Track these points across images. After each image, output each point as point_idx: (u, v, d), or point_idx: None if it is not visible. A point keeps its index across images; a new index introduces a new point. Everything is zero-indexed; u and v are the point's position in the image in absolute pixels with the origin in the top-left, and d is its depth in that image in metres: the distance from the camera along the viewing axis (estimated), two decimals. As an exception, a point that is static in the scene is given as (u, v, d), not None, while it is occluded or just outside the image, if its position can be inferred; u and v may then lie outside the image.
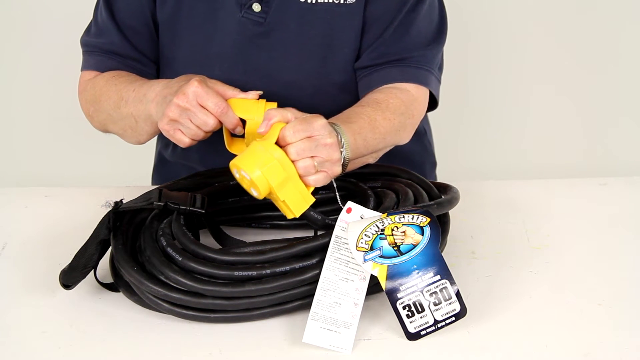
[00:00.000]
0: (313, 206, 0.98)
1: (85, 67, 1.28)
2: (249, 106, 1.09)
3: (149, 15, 1.23)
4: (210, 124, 1.05)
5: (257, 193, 0.96)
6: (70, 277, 0.96)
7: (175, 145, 1.36)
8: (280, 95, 1.22)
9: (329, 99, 1.23)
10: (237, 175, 0.98)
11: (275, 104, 1.10)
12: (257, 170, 0.94)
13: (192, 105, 1.04)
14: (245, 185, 0.98)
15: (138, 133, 1.19)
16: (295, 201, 0.96)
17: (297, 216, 0.97)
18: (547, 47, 2.38)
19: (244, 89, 1.17)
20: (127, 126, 1.19)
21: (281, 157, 0.95)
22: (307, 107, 1.17)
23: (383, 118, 1.14)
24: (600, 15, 2.35)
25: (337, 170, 0.99)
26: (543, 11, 2.35)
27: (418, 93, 1.21)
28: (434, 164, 1.47)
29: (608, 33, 2.36)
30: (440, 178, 1.51)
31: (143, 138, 1.20)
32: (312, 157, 0.97)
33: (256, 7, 1.19)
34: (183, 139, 1.07)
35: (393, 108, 1.16)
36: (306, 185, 0.97)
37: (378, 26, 1.20)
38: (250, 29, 1.20)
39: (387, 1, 1.19)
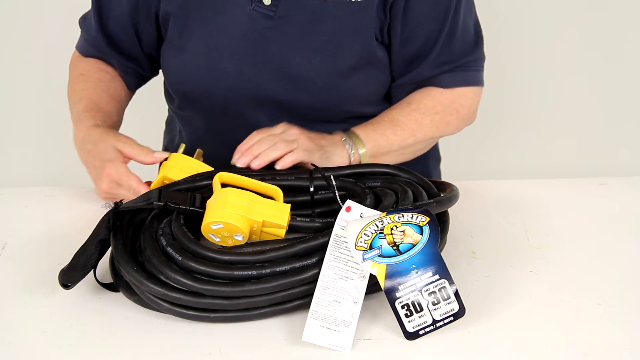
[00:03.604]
0: (294, 211, 1.02)
1: (77, 45, 1.36)
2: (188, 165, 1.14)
3: (143, 11, 1.27)
4: (141, 192, 1.09)
5: (242, 234, 0.97)
6: (69, 277, 0.95)
7: (180, 143, 1.38)
8: (290, 88, 1.23)
9: (339, 93, 1.24)
10: (216, 239, 0.99)
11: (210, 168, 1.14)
12: (223, 212, 0.96)
13: (114, 188, 1.11)
14: (228, 238, 0.99)
15: None
16: (273, 214, 0.97)
17: (286, 226, 0.98)
18: (548, 47, 2.38)
19: (253, 82, 1.21)
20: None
21: (231, 190, 0.98)
22: (317, 100, 1.21)
23: (408, 118, 1.23)
24: (600, 15, 2.35)
25: (315, 153, 1.12)
26: (545, 12, 2.35)
27: (466, 91, 1.29)
28: (438, 159, 1.49)
29: (608, 33, 2.37)
30: (442, 177, 1.52)
31: None
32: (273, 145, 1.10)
33: (266, 0, 1.19)
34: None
35: (424, 108, 1.25)
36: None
37: (425, 43, 1.24)
38: (260, 22, 1.20)
39: (426, 6, 1.22)
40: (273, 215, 0.97)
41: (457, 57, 1.27)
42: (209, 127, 1.33)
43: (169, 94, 1.39)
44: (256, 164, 1.08)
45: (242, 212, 0.96)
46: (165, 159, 1.13)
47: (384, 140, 1.21)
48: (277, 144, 1.09)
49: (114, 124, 1.24)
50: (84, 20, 1.34)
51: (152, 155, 1.12)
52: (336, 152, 1.17)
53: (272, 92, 1.24)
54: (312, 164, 1.09)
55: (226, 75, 1.24)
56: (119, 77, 1.34)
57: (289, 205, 0.99)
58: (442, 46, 1.25)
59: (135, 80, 1.37)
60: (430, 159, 1.44)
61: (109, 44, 1.31)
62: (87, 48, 1.33)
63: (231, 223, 0.95)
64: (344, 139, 1.19)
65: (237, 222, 0.96)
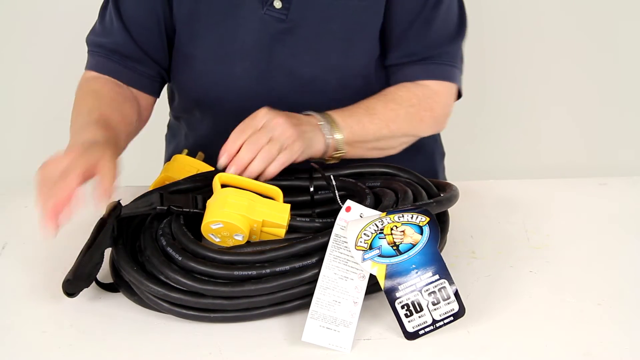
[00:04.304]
0: (293, 212, 1.01)
1: (87, 66, 1.28)
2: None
3: (161, 13, 1.23)
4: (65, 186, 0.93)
5: (242, 233, 0.97)
6: (75, 287, 0.95)
7: (186, 147, 1.37)
8: (303, 91, 1.23)
9: (353, 91, 1.24)
10: (216, 239, 0.99)
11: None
12: (224, 212, 0.95)
13: (52, 171, 0.95)
14: (227, 238, 0.98)
15: None
16: (273, 214, 0.97)
17: (286, 225, 0.98)
18: (547, 47, 2.38)
19: (266, 85, 1.21)
20: None
21: (231, 190, 0.98)
22: (331, 100, 1.20)
23: (384, 107, 1.19)
24: (601, 15, 2.35)
25: (297, 145, 1.07)
26: (544, 12, 2.35)
27: (440, 88, 1.25)
28: (442, 154, 1.50)
29: (608, 33, 2.37)
30: (445, 173, 1.52)
31: None
32: (260, 149, 1.04)
33: (277, 4, 1.19)
34: None
35: (400, 99, 1.21)
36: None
37: (401, 23, 1.22)
38: (273, 26, 1.20)
39: None
40: (273, 215, 0.98)
41: (431, 46, 1.24)
42: (218, 130, 1.32)
43: (175, 98, 1.39)
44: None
45: (242, 212, 0.96)
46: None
47: (360, 128, 1.17)
48: (262, 154, 1.05)
49: (119, 148, 1.12)
50: (93, 37, 1.27)
51: (104, 195, 0.93)
52: (315, 138, 1.13)
53: (285, 96, 1.24)
54: (312, 163, 1.09)
55: (238, 80, 1.24)
56: (132, 100, 1.25)
57: (288, 205, 0.99)
58: (418, 32, 1.22)
59: (160, 87, 1.32)
60: (436, 154, 1.45)
61: (136, 47, 1.24)
62: (104, 62, 1.25)
63: (231, 223, 0.95)
64: (321, 123, 1.14)
65: (237, 222, 0.96)
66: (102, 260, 0.98)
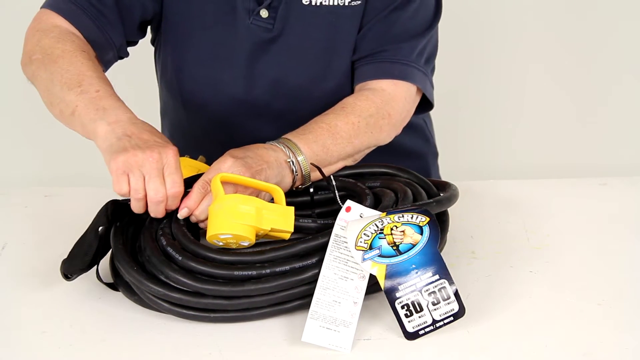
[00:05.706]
0: (297, 213, 0.99)
1: (55, 8, 1.16)
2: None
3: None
4: (161, 193, 0.96)
5: (248, 241, 0.96)
6: (70, 267, 0.95)
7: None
8: (289, 99, 1.23)
9: (336, 99, 1.23)
10: (220, 243, 0.98)
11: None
12: (233, 224, 0.94)
13: (155, 168, 0.96)
14: (233, 244, 0.97)
15: (64, 120, 1.08)
16: (280, 221, 0.97)
17: (292, 230, 0.97)
18: (547, 46, 2.38)
19: (251, 93, 1.19)
20: (58, 107, 1.08)
21: (237, 198, 0.96)
22: (317, 109, 1.18)
23: (345, 123, 1.14)
24: (600, 14, 2.35)
25: (262, 194, 1.03)
26: (544, 11, 2.35)
27: (396, 90, 1.20)
28: (435, 155, 1.49)
29: (608, 32, 2.37)
30: (441, 176, 1.52)
31: (65, 124, 1.09)
32: None
33: (264, 14, 1.19)
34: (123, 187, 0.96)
35: (359, 110, 1.16)
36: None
37: (366, 24, 1.21)
38: (259, 35, 1.20)
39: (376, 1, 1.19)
40: (280, 222, 0.96)
41: (385, 43, 1.20)
42: (206, 134, 1.32)
43: (166, 101, 1.39)
44: None
45: (251, 223, 0.95)
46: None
47: (325, 153, 1.11)
48: None
49: None
50: None
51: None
52: (282, 179, 1.07)
53: (271, 103, 1.24)
54: (312, 163, 1.09)
55: (225, 86, 1.24)
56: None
57: (292, 209, 0.98)
58: (376, 31, 1.20)
59: (111, 62, 1.23)
60: (428, 155, 1.44)
61: (116, 10, 1.17)
62: (78, 14, 1.15)
63: (240, 235, 0.95)
64: (289, 160, 1.07)
65: (246, 233, 0.95)
66: (97, 243, 0.97)
